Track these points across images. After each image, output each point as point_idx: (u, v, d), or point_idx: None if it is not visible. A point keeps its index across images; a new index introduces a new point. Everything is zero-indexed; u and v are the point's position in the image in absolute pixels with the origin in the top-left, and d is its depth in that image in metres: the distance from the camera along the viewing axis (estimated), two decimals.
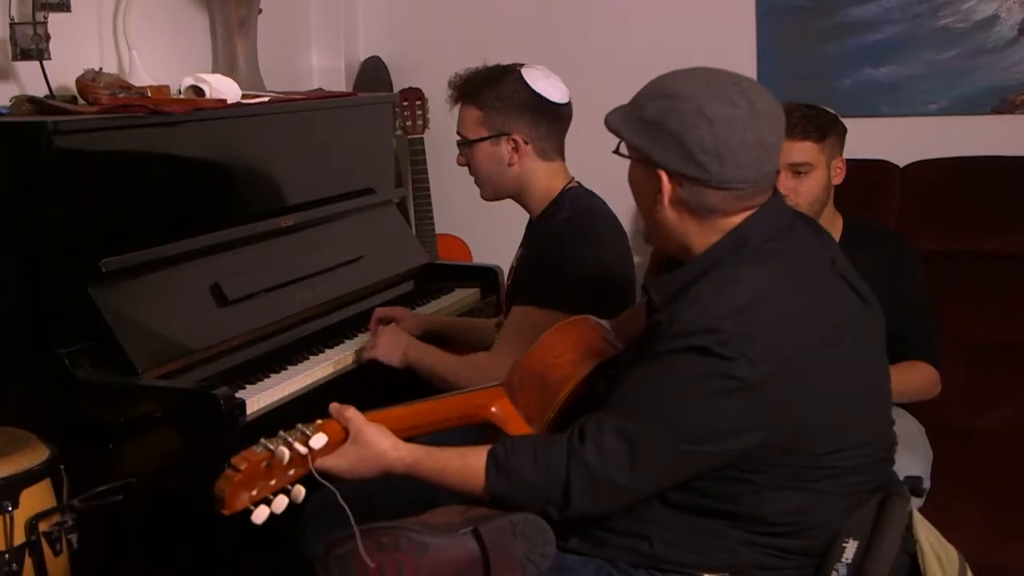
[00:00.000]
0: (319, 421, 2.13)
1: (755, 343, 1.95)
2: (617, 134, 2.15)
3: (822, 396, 2.01)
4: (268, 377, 2.88)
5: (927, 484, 3.02)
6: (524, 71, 2.92)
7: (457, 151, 3.05)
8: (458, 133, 3.00)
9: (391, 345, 3.04)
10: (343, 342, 3.18)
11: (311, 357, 3.05)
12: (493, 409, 2.30)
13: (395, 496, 2.41)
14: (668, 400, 2.00)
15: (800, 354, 1.98)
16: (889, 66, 4.18)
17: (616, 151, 2.17)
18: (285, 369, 2.94)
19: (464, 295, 3.76)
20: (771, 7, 4.25)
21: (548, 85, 2.92)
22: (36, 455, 2.47)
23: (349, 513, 2.02)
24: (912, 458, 3.01)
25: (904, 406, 3.30)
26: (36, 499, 2.43)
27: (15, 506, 2.37)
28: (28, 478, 2.41)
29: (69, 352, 2.62)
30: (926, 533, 2.18)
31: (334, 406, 2.16)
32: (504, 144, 2.92)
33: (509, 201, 3.10)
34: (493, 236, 4.42)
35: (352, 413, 2.14)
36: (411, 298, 3.63)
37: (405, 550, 1.98)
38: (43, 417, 2.62)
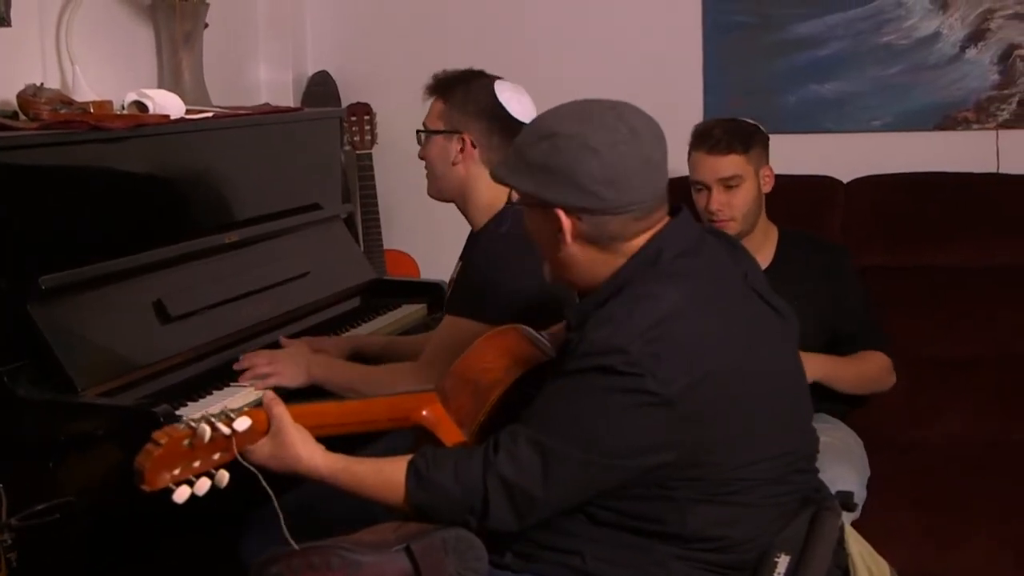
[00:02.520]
0: (246, 407, 2.17)
1: (662, 362, 1.98)
2: (507, 185, 2.21)
3: (733, 411, 2.04)
4: (210, 394, 2.87)
5: (861, 497, 3.07)
6: (497, 82, 2.97)
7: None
8: (423, 124, 3.02)
9: (292, 367, 2.99)
10: None
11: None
12: (424, 412, 2.32)
13: (333, 510, 2.43)
14: (578, 416, 2.04)
15: (709, 371, 2.01)
16: (833, 82, 4.23)
17: (514, 202, 2.20)
18: (228, 386, 2.93)
19: (411, 311, 3.76)
20: (717, 23, 4.29)
21: (513, 99, 2.95)
22: None
23: (283, 521, 2.07)
24: (847, 470, 3.05)
25: (842, 418, 3.35)
26: None
27: None
28: None
29: (8, 370, 2.59)
30: (858, 547, 2.21)
31: (267, 395, 2.21)
32: (455, 142, 2.95)
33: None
34: (441, 252, 4.42)
35: (279, 410, 2.17)
36: (358, 314, 3.63)
37: (337, 569, 2.00)
38: None
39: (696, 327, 2.03)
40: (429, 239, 4.59)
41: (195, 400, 2.82)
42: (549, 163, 2.07)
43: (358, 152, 4.48)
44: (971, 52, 4.10)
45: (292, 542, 2.10)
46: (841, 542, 2.16)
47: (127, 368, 2.77)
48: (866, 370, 3.27)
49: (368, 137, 4.50)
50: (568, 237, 2.11)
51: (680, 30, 4.34)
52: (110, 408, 2.63)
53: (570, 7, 4.47)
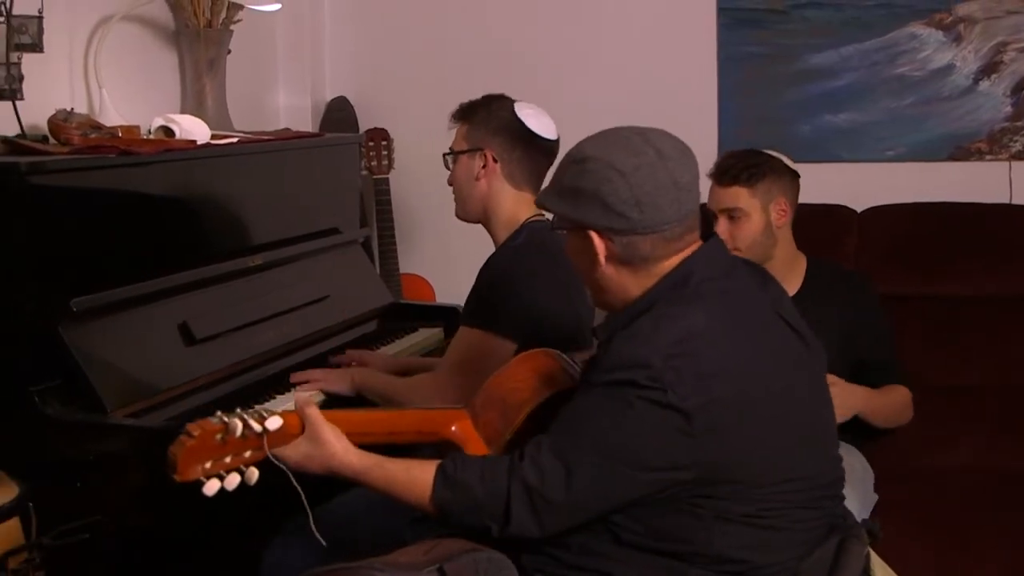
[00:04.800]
0: (281, 410, 2.22)
1: (685, 379, 2.02)
2: (547, 209, 2.27)
3: (752, 432, 2.07)
4: None
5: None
6: (518, 102, 3.04)
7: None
8: (449, 148, 3.09)
9: (338, 374, 3.14)
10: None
11: (278, 396, 3.06)
12: (453, 428, 2.37)
13: (358, 530, 2.46)
14: (600, 426, 2.08)
15: (729, 391, 2.05)
16: (847, 113, 4.28)
17: (553, 228, 2.28)
18: (252, 408, 2.93)
19: (428, 335, 3.78)
20: (732, 54, 4.34)
21: (533, 117, 3.02)
22: (6, 493, 2.47)
23: (311, 519, 2.14)
24: (851, 495, 3.07)
25: (858, 445, 3.36)
26: (5, 537, 2.43)
27: None
28: None
29: (39, 390, 2.63)
30: (883, 574, 2.23)
31: (299, 397, 2.25)
32: (477, 158, 3.01)
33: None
34: (457, 276, 4.44)
35: (312, 410, 2.24)
36: (375, 338, 3.66)
37: None
38: (11, 454, 2.62)
39: (718, 348, 2.07)
40: (445, 263, 4.63)
41: None
42: (579, 185, 2.15)
43: (375, 177, 4.52)
44: (984, 84, 4.14)
45: (320, 538, 2.17)
46: (867, 570, 2.18)
47: (153, 389, 2.81)
48: (896, 403, 3.29)
49: (385, 162, 4.53)
50: (602, 258, 2.17)
51: (695, 60, 4.39)
52: (139, 429, 2.67)
53: (587, 36, 4.51)
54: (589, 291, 2.31)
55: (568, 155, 2.22)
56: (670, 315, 2.10)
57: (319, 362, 3.30)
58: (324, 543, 2.16)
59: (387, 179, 4.54)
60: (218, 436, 2.08)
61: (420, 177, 4.56)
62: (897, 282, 3.92)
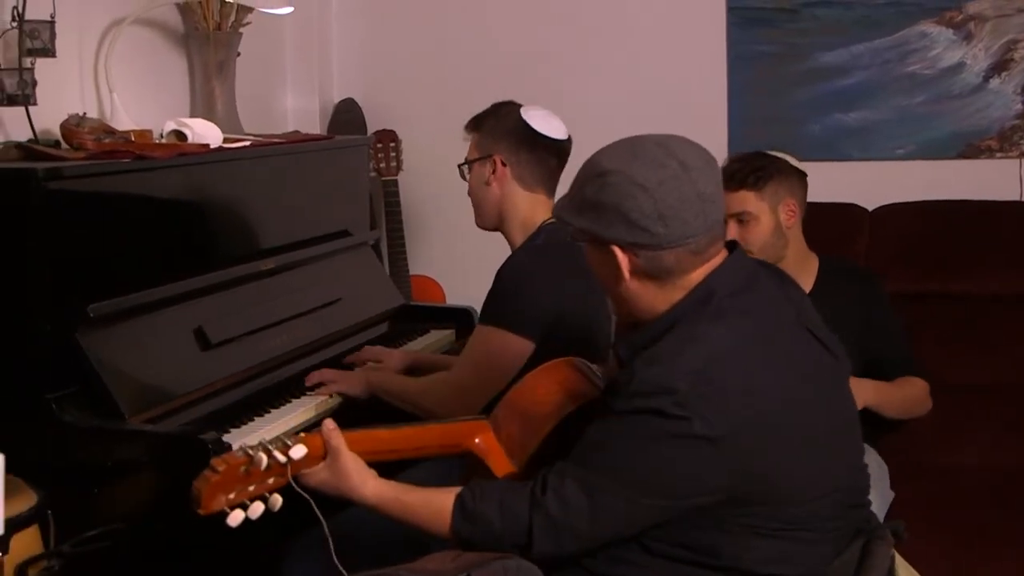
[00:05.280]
0: (302, 434, 2.22)
1: (712, 403, 1.99)
2: (566, 222, 2.20)
3: (783, 451, 2.04)
4: (252, 420, 2.89)
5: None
6: (526, 106, 3.06)
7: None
8: (464, 160, 3.11)
9: (353, 377, 3.15)
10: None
11: (293, 400, 3.06)
12: (477, 440, 2.37)
13: (383, 538, 2.45)
14: (627, 457, 2.05)
15: (758, 412, 2.01)
16: (858, 111, 4.27)
17: (573, 239, 2.23)
18: (268, 412, 2.95)
19: (439, 336, 3.78)
20: (742, 53, 4.33)
21: (540, 118, 3.03)
22: (25, 500, 2.46)
23: (332, 547, 2.14)
24: (871, 495, 3.07)
25: (873, 444, 3.36)
26: (25, 544, 2.42)
27: (5, 552, 2.36)
28: (18, 524, 2.40)
29: (56, 397, 2.62)
30: (907, 575, 2.22)
31: (327, 423, 2.25)
32: (487, 165, 3.03)
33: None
34: (466, 277, 4.46)
35: (337, 440, 2.22)
36: (387, 340, 3.64)
37: None
38: (29, 462, 2.60)
39: (746, 368, 2.03)
40: (454, 264, 4.62)
41: (237, 427, 2.84)
42: (600, 200, 2.09)
43: (384, 178, 4.51)
44: (995, 82, 4.14)
45: (342, 569, 2.15)
46: (891, 571, 2.17)
47: (170, 395, 2.80)
48: (910, 395, 3.28)
49: (394, 164, 4.52)
50: (626, 273, 2.12)
51: (705, 59, 4.38)
52: (157, 435, 2.66)
53: (595, 36, 4.51)
54: (612, 304, 2.27)
55: (587, 166, 2.16)
56: (694, 336, 2.06)
57: (332, 365, 3.29)
58: (344, 573, 2.15)
59: (396, 180, 4.53)
60: (242, 469, 2.08)
61: (428, 178, 4.56)
62: (909, 280, 3.92)
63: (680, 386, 1.99)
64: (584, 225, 2.14)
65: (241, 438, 2.76)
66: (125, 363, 2.73)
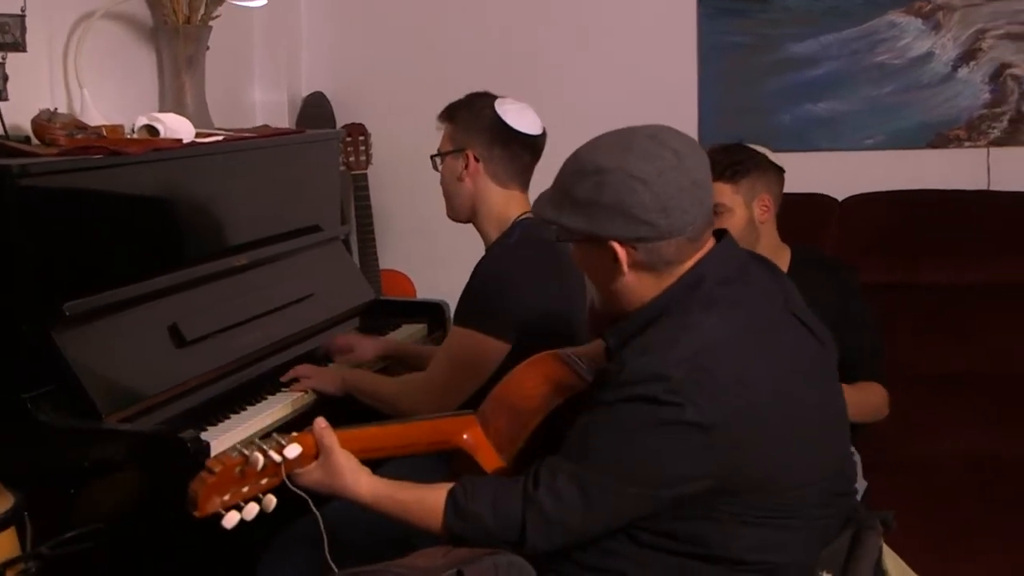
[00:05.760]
0: (295, 434, 2.20)
1: (704, 390, 1.99)
2: (553, 223, 2.18)
3: (773, 439, 2.04)
4: (228, 418, 2.87)
5: None
6: (500, 99, 3.02)
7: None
8: (437, 150, 3.08)
9: (329, 374, 3.13)
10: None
11: (269, 397, 3.04)
12: (465, 436, 2.36)
13: (371, 535, 2.44)
14: (619, 448, 2.04)
15: (749, 401, 2.01)
16: (827, 101, 4.30)
17: (559, 239, 2.22)
18: (245, 409, 2.94)
19: (411, 331, 3.76)
20: (712, 43, 4.34)
21: (515, 113, 2.99)
22: (1, 502, 2.44)
23: (326, 545, 2.14)
24: None
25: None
26: (1, 547, 2.39)
27: None
28: None
29: (32, 396, 2.59)
30: (894, 564, 2.23)
31: (319, 422, 2.23)
32: (460, 159, 3.00)
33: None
34: (437, 271, 4.46)
35: (329, 439, 2.21)
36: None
37: None
38: (5, 462, 2.58)
39: (736, 357, 2.03)
40: (425, 259, 4.61)
41: (214, 424, 2.82)
42: (599, 199, 2.07)
43: (353, 172, 4.49)
44: (963, 71, 4.16)
45: (333, 566, 2.14)
46: (878, 560, 2.18)
47: (146, 393, 2.77)
48: (870, 401, 3.26)
49: (363, 158, 4.50)
50: (625, 267, 2.11)
51: (675, 50, 4.39)
52: (136, 434, 2.64)
53: (566, 28, 4.50)
54: (602, 299, 2.23)
55: (575, 164, 2.13)
56: (686, 324, 2.06)
57: (305, 361, 3.27)
58: (336, 570, 2.14)
59: (365, 174, 4.51)
60: (237, 470, 2.06)
61: (398, 172, 4.55)
62: (880, 271, 3.95)
63: (673, 374, 1.99)
64: (579, 225, 2.11)
65: (219, 436, 2.74)
66: (101, 362, 2.70)
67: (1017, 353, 3.86)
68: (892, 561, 2.23)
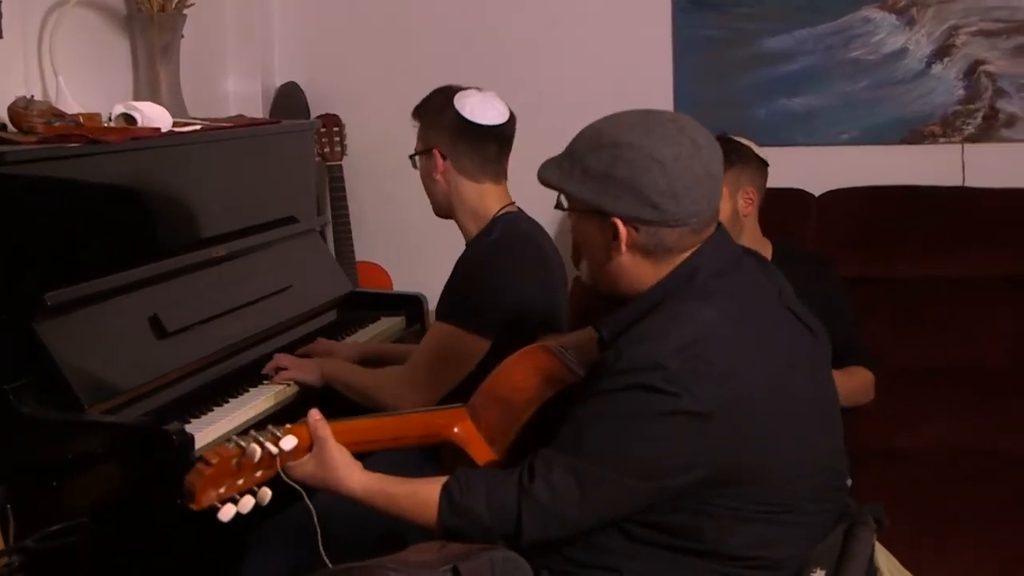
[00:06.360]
0: (289, 425, 2.18)
1: (700, 379, 1.98)
2: (559, 189, 2.16)
3: (768, 430, 2.04)
4: (211, 410, 2.85)
5: None
6: (459, 92, 2.99)
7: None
8: (414, 149, 3.07)
9: (309, 365, 3.11)
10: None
11: (251, 389, 3.02)
12: (456, 430, 2.34)
13: (361, 529, 2.43)
14: (615, 437, 2.03)
15: (745, 391, 2.01)
16: (803, 96, 4.29)
17: (558, 206, 2.20)
18: (227, 402, 2.91)
19: (389, 324, 3.75)
20: (687, 38, 4.33)
21: (474, 105, 2.97)
22: None
23: (320, 539, 2.12)
24: None
25: None
26: None
27: None
28: None
29: (13, 388, 2.56)
30: (885, 561, 2.23)
31: (313, 414, 2.21)
32: (430, 159, 2.99)
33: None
34: (413, 263, 4.45)
35: (323, 431, 2.18)
36: (336, 327, 3.62)
37: None
38: None
39: (732, 348, 2.03)
40: (400, 250, 4.58)
41: (197, 416, 2.80)
42: (612, 172, 2.05)
43: (328, 164, 4.45)
44: (937, 67, 4.17)
45: (327, 560, 2.11)
46: (871, 557, 2.18)
47: (128, 384, 2.75)
48: (854, 385, 3.30)
49: (338, 148, 4.47)
50: (623, 247, 2.09)
51: (650, 44, 4.37)
52: (120, 426, 2.62)
53: (541, 20, 4.47)
54: (591, 274, 2.21)
55: (591, 136, 2.10)
56: (682, 313, 2.05)
57: (286, 352, 3.24)
58: (330, 565, 2.11)
59: (340, 166, 4.48)
60: (234, 462, 2.04)
61: (373, 163, 4.52)
62: (857, 265, 3.96)
63: (670, 363, 1.98)
64: (585, 196, 2.09)
65: (203, 428, 2.72)
66: (83, 352, 2.67)
67: (992, 345, 3.89)
68: (884, 558, 2.23)
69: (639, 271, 2.13)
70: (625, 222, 2.08)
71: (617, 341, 2.09)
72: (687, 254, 2.11)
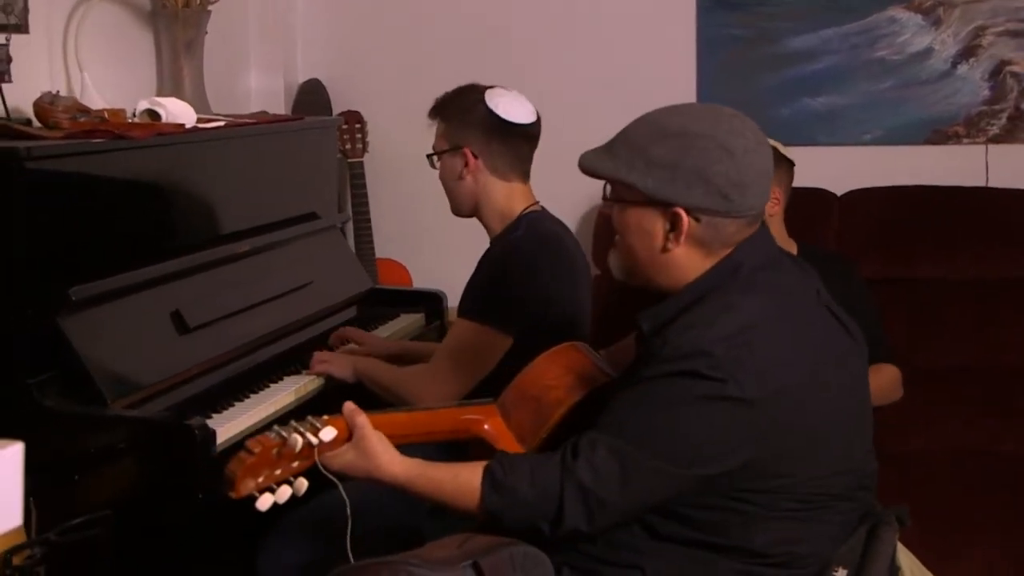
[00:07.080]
0: (326, 417, 2.18)
1: (745, 366, 1.99)
2: (613, 180, 2.13)
3: (803, 426, 2.04)
4: (233, 406, 2.86)
5: None
6: (489, 90, 2.98)
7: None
8: (432, 147, 3.05)
9: (343, 361, 3.11)
10: (300, 370, 3.15)
11: (271, 384, 3.03)
12: (486, 426, 2.34)
13: (378, 527, 2.43)
14: (659, 422, 2.03)
15: (787, 383, 2.02)
16: (826, 96, 4.29)
17: (606, 198, 2.18)
18: (248, 397, 2.92)
19: (409, 320, 3.75)
20: (711, 37, 4.33)
21: (506, 104, 2.97)
22: None
23: (350, 523, 2.13)
24: None
25: None
26: (10, 533, 2.37)
27: None
28: None
29: (36, 382, 2.56)
30: (908, 561, 2.23)
31: (348, 405, 2.21)
32: (458, 157, 2.98)
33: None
34: (433, 260, 4.46)
35: (361, 419, 2.18)
36: (357, 324, 3.61)
37: None
38: None
39: (775, 340, 2.03)
40: (420, 247, 4.59)
41: (218, 412, 2.81)
42: (681, 161, 2.03)
43: (349, 160, 4.46)
44: (962, 68, 4.16)
45: (351, 556, 2.12)
46: (893, 557, 2.18)
47: (151, 379, 2.75)
48: (883, 382, 3.30)
49: (359, 145, 4.47)
50: (681, 237, 2.08)
51: (674, 43, 4.37)
52: (143, 421, 2.61)
53: (565, 17, 4.47)
54: (628, 267, 2.19)
55: (653, 126, 2.09)
56: (727, 305, 2.05)
57: (305, 349, 3.25)
58: (352, 561, 2.11)
59: (361, 162, 4.48)
60: (275, 451, 2.05)
61: (394, 160, 4.52)
62: (879, 265, 3.96)
63: (716, 350, 1.98)
64: (650, 186, 2.06)
65: (224, 423, 2.73)
66: (106, 347, 2.67)
67: (1011, 347, 3.88)
68: (906, 558, 2.23)
69: (689, 263, 2.12)
70: (689, 212, 2.07)
71: (663, 331, 2.09)
72: (731, 249, 2.11)
